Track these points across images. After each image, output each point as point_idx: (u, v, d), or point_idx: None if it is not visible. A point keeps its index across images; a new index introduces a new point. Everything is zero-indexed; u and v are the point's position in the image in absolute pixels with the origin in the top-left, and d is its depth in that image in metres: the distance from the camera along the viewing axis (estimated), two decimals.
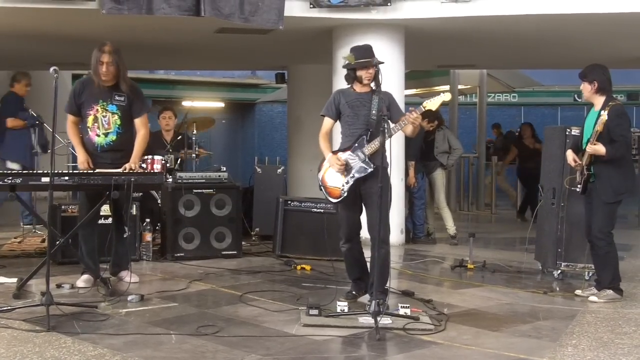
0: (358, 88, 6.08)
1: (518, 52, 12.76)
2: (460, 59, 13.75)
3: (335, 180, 6.03)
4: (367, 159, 5.91)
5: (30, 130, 10.39)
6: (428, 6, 9.45)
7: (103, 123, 6.77)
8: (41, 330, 5.16)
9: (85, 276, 6.79)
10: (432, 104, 5.98)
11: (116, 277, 6.99)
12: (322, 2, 9.26)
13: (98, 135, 6.78)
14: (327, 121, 6.20)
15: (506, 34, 10.77)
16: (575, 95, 24.05)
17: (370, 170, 5.89)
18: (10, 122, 10.36)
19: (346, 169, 5.95)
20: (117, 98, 6.79)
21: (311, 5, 9.28)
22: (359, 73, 5.98)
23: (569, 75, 21.64)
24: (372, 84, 6.02)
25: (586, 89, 6.65)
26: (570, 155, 6.74)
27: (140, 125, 6.93)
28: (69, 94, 6.90)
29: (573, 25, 10.05)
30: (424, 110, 5.96)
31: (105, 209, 7.13)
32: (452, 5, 9.29)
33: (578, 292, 6.85)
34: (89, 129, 6.80)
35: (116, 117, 6.80)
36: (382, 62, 6.07)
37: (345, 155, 6.00)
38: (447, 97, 6.04)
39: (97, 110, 6.76)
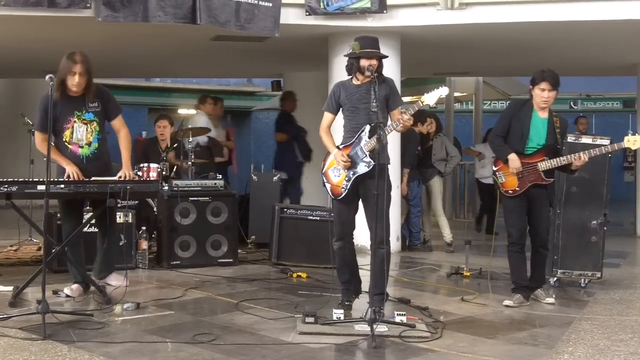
0: (358, 80, 6.03)
1: (514, 60, 12.79)
2: (456, 67, 13.78)
3: (338, 177, 6.01)
4: (367, 156, 5.87)
5: (294, 142, 11.48)
6: (424, 13, 9.49)
7: (78, 134, 6.63)
8: (37, 338, 5.15)
9: (76, 285, 6.74)
10: (429, 99, 5.90)
11: (103, 282, 6.96)
12: (318, 10, 9.29)
13: (81, 147, 6.65)
14: (327, 116, 6.16)
15: (502, 41, 10.80)
16: (571, 103, 24.12)
17: (369, 166, 5.82)
18: (278, 136, 11.92)
19: (351, 164, 5.92)
20: (90, 105, 6.64)
21: (307, 13, 9.31)
22: (363, 63, 5.90)
23: (565, 83, 21.62)
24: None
25: (554, 97, 6.62)
26: (517, 160, 6.58)
27: (120, 126, 6.82)
28: (38, 112, 6.55)
29: (568, 32, 10.09)
30: (422, 105, 5.89)
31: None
32: (448, 13, 9.33)
33: (548, 301, 6.80)
34: (67, 144, 6.64)
35: (94, 124, 6.68)
36: (386, 56, 6.06)
37: (347, 151, 5.96)
38: (444, 91, 5.90)
39: (74, 121, 6.61)
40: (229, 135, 12.08)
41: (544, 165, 6.52)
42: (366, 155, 5.87)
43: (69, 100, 6.56)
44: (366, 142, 5.88)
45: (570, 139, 7.20)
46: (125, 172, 6.61)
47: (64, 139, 6.64)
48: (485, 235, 12.35)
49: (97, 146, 6.72)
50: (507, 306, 6.57)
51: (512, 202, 6.67)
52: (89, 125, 6.67)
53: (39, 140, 6.58)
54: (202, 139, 10.90)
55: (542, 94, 6.57)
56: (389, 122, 5.92)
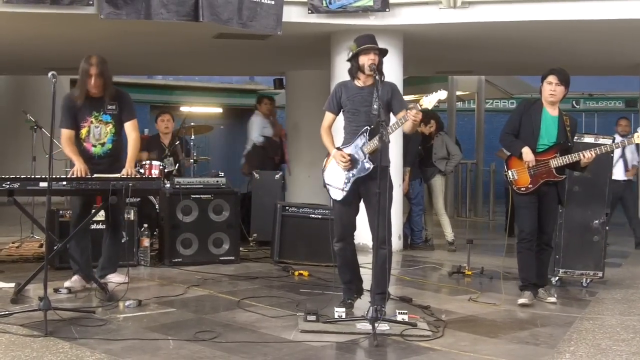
0: (360, 81, 6.00)
1: (516, 59, 12.77)
2: (458, 65, 13.77)
3: (336, 179, 5.98)
4: (366, 158, 5.85)
5: None
6: (426, 12, 9.48)
7: (95, 134, 6.84)
8: (39, 335, 5.15)
9: (75, 277, 6.83)
10: (428, 102, 5.87)
11: (103, 279, 6.98)
12: (321, 8, 9.29)
13: (94, 146, 6.87)
14: (328, 116, 6.12)
15: (504, 40, 10.79)
16: (574, 102, 24.08)
17: (369, 169, 5.81)
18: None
19: (352, 165, 5.89)
20: (109, 107, 6.87)
21: (309, 11, 9.31)
22: (362, 61, 5.89)
23: None
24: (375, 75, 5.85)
25: (562, 92, 6.66)
26: (531, 153, 6.60)
27: (132, 129, 7.00)
28: (61, 110, 6.83)
29: (571, 32, 10.08)
30: (420, 108, 5.87)
31: (101, 214, 7.17)
32: (450, 11, 9.32)
33: (550, 299, 6.78)
34: (82, 141, 6.86)
35: (110, 125, 6.90)
36: (385, 50, 6.04)
37: (348, 151, 5.93)
38: (443, 95, 5.85)
39: (91, 121, 6.83)
40: (281, 136, 12.05)
41: (556, 162, 6.55)
42: (366, 157, 5.86)
43: (89, 101, 6.81)
44: (366, 143, 5.86)
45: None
46: (128, 169, 6.71)
47: (80, 137, 6.86)
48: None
49: (110, 147, 6.93)
50: (522, 305, 6.55)
51: (524, 199, 6.69)
52: (104, 127, 6.89)
53: (64, 139, 6.82)
54: (258, 139, 10.97)
55: (549, 87, 6.64)
56: (392, 122, 5.89)
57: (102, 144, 6.89)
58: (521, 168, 6.63)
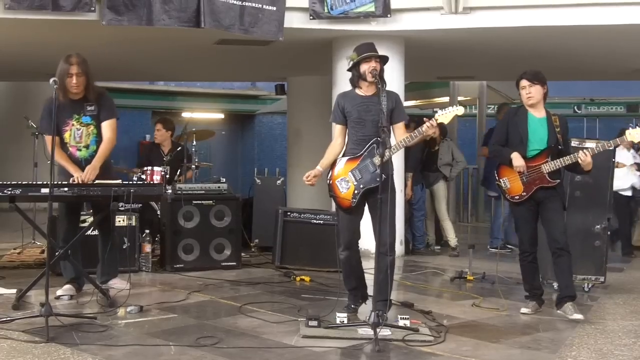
0: (363, 90, 6.00)
1: (517, 64, 12.69)
2: (459, 71, 13.78)
3: (346, 189, 5.94)
4: (377, 170, 5.83)
5: None
6: (428, 18, 9.49)
7: (76, 137, 6.70)
8: (40, 341, 5.15)
9: (68, 286, 6.80)
10: (444, 117, 5.90)
11: (106, 285, 6.96)
12: (322, 14, 9.30)
13: (79, 150, 6.72)
14: (337, 127, 6.12)
15: (506, 46, 10.80)
16: (575, 107, 24.08)
17: (380, 180, 5.73)
18: (483, 151, 11.11)
19: (361, 177, 5.90)
20: (88, 109, 6.70)
21: (311, 17, 9.32)
22: (363, 69, 5.90)
23: (569, 87, 21.64)
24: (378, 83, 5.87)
25: (539, 91, 6.55)
26: (520, 158, 6.48)
27: (107, 129, 6.76)
28: (42, 115, 6.68)
29: (572, 37, 10.08)
30: (435, 124, 5.88)
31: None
32: (451, 17, 9.33)
33: (567, 312, 6.44)
34: (68, 146, 6.71)
35: (92, 127, 6.73)
36: (386, 57, 6.05)
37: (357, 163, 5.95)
38: (459, 111, 5.93)
39: (73, 124, 6.68)
40: None
41: (548, 167, 6.43)
42: (376, 170, 5.85)
43: (69, 103, 6.64)
44: (377, 155, 5.84)
45: (574, 143, 7.18)
46: (94, 165, 6.58)
47: (65, 141, 6.71)
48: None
49: (95, 149, 6.75)
50: (523, 314, 6.52)
51: (520, 209, 6.61)
52: (86, 129, 6.74)
53: (48, 144, 6.60)
54: None
55: (524, 92, 6.58)
56: (404, 136, 5.91)
57: (87, 147, 6.72)
58: (513, 176, 6.53)
